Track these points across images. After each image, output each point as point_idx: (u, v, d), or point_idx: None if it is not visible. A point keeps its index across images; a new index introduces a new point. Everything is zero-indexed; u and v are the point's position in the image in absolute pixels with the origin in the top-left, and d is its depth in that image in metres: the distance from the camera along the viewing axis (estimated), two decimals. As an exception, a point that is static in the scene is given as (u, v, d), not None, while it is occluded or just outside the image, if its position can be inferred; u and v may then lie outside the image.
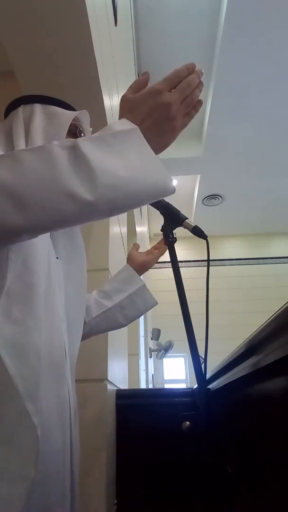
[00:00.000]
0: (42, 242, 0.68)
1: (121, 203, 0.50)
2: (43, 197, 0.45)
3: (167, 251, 0.79)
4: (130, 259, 1.06)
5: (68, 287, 0.78)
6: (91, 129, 0.91)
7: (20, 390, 0.53)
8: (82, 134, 0.85)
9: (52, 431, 0.63)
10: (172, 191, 0.54)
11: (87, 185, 0.46)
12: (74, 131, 0.83)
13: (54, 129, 0.76)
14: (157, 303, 1.05)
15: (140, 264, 1.05)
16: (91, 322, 0.95)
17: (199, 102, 0.60)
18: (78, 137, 0.82)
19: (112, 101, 1.48)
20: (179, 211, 0.77)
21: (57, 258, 0.77)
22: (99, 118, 1.30)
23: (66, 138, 0.77)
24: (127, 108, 0.57)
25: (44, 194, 0.45)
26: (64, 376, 0.70)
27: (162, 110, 0.55)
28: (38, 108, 0.79)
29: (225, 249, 5.87)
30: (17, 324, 0.57)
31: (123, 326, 1.03)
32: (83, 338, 0.88)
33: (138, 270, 1.04)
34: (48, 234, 0.73)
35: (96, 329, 0.97)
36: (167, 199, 0.75)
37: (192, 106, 0.59)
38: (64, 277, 0.78)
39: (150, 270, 1.12)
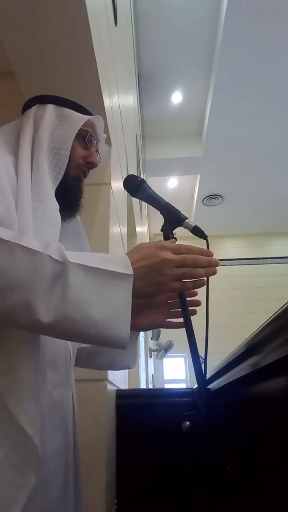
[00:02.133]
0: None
1: (75, 337, 0.53)
2: (7, 295, 0.47)
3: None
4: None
5: None
6: (105, 135, 0.89)
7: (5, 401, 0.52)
8: (93, 140, 0.82)
9: (54, 433, 0.63)
10: (124, 347, 0.52)
11: (52, 309, 0.48)
12: (85, 136, 0.80)
13: (62, 132, 0.75)
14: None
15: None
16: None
17: (200, 281, 0.61)
18: (87, 143, 0.80)
19: (112, 101, 1.48)
20: (179, 211, 0.77)
21: None
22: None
23: (74, 142, 0.76)
24: (135, 248, 0.61)
25: (10, 292, 0.47)
26: (69, 380, 0.70)
27: (156, 261, 0.57)
28: (51, 109, 0.77)
29: (225, 249, 5.87)
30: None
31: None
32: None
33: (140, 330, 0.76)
34: (57, 236, 0.72)
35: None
36: (167, 199, 0.74)
37: (191, 280, 0.60)
38: None
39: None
